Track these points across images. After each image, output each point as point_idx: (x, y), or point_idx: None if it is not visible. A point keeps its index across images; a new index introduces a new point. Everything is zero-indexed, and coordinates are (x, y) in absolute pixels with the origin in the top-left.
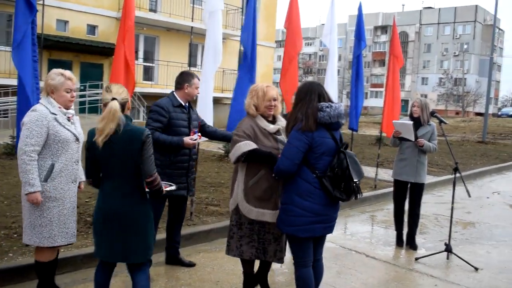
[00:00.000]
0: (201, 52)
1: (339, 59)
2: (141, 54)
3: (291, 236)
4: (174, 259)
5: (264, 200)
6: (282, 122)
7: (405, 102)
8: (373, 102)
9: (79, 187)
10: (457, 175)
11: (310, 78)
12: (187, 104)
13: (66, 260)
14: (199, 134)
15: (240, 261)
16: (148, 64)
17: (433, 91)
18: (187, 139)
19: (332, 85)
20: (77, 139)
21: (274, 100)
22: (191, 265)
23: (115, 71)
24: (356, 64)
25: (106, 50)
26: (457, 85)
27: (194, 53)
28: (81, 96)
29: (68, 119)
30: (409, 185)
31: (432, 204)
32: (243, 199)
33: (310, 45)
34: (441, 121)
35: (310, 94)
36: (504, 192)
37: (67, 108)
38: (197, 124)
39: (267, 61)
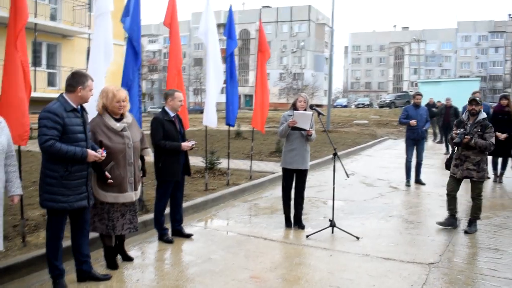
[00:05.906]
0: (46, 51)
1: (184, 56)
2: None
3: None
4: (86, 275)
5: (116, 186)
6: (128, 119)
7: (250, 97)
8: (218, 98)
9: (12, 200)
10: (336, 160)
11: (156, 76)
12: (79, 107)
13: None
14: (101, 150)
15: (100, 237)
16: None
17: (275, 85)
18: (91, 152)
19: (216, 80)
20: None
21: (123, 101)
22: (106, 278)
23: (12, 78)
24: (230, 63)
25: None
26: (296, 79)
27: (38, 52)
28: None
29: None
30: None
31: None
32: (96, 187)
33: (154, 42)
34: (319, 113)
35: None
36: (356, 173)
37: None
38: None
39: (117, 59)
